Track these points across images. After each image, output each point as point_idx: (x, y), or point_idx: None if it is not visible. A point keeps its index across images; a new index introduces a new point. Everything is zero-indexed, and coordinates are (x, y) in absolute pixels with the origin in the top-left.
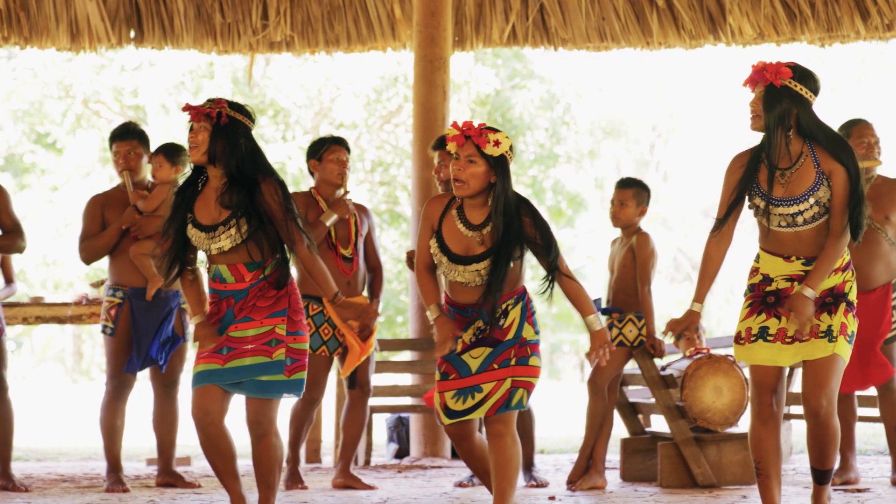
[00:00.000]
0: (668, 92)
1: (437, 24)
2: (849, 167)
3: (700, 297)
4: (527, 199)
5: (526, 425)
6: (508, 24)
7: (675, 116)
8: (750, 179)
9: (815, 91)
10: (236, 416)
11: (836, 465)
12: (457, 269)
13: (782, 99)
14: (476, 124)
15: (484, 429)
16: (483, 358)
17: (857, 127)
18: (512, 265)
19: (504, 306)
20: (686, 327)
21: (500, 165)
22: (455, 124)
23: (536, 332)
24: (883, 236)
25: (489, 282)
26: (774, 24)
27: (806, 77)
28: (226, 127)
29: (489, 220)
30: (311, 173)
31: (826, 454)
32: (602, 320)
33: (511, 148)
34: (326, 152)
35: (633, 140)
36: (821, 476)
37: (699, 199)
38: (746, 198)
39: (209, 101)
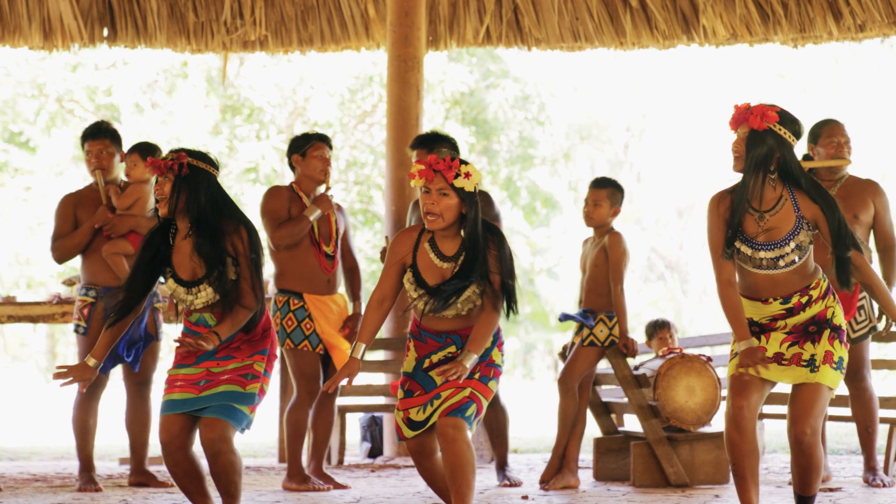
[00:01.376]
0: (642, 92)
1: (410, 23)
2: (827, 214)
3: (746, 335)
4: (497, 230)
5: (500, 424)
6: (482, 24)
7: (648, 116)
8: (737, 222)
9: (798, 135)
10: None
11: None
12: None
13: (766, 142)
14: (445, 158)
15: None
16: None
17: (828, 127)
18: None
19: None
20: (757, 360)
21: (470, 197)
22: (422, 160)
23: (502, 361)
24: None
25: (445, 295)
26: (747, 25)
27: (789, 121)
28: (187, 178)
29: (462, 250)
30: (293, 168)
31: (808, 482)
32: (473, 362)
33: (479, 184)
34: (311, 149)
35: (606, 140)
36: (803, 502)
37: (673, 198)
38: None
39: (171, 152)
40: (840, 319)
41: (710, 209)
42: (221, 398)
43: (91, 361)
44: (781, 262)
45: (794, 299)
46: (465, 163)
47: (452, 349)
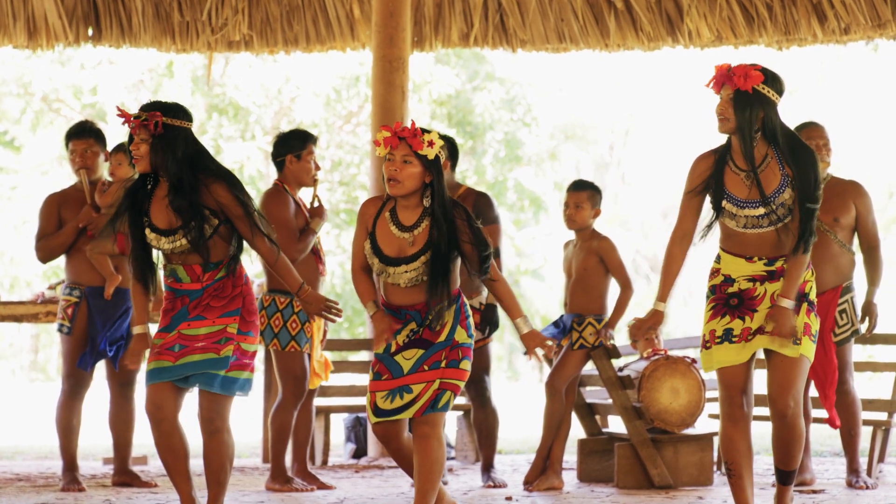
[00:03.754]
0: (627, 93)
1: (395, 24)
2: (808, 171)
3: (663, 296)
4: (461, 204)
5: (489, 426)
6: (468, 26)
7: (634, 118)
8: (718, 182)
9: (781, 93)
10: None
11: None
12: (389, 271)
13: (752, 102)
14: (410, 124)
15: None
16: (415, 359)
17: (806, 130)
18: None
19: (437, 308)
20: (651, 327)
21: (434, 166)
22: (387, 127)
23: (470, 336)
24: (832, 238)
25: (430, 279)
26: (732, 27)
27: (773, 79)
28: (163, 136)
29: (420, 220)
30: (281, 165)
31: (791, 455)
32: (530, 322)
33: (443, 148)
34: (306, 151)
35: (592, 141)
36: (784, 476)
37: (658, 200)
38: (710, 199)
39: (143, 108)
40: (814, 295)
41: (690, 169)
42: (198, 367)
43: (141, 329)
44: (765, 221)
45: (778, 263)
46: (428, 132)
47: (413, 326)
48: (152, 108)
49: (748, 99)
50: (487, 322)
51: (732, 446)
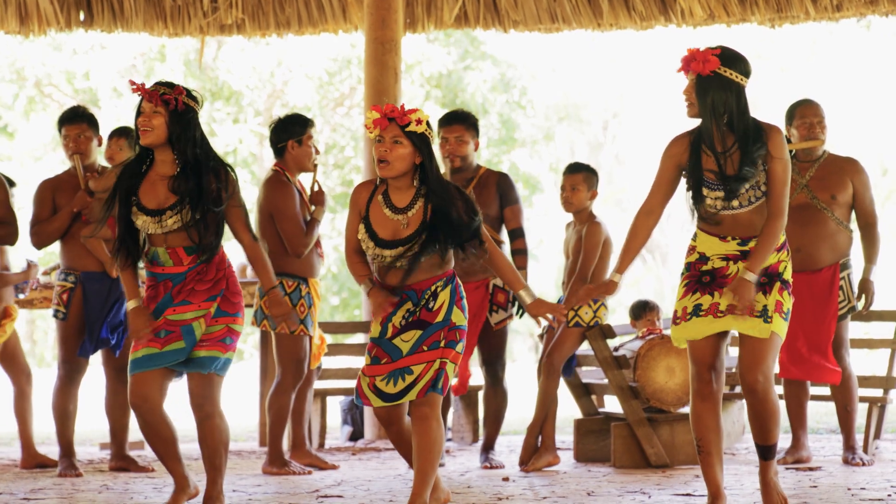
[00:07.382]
0: (621, 73)
1: (387, 6)
2: (745, 143)
3: (621, 268)
4: (456, 185)
5: (498, 406)
6: (459, 6)
7: (627, 98)
8: (695, 163)
9: (746, 73)
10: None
11: (784, 443)
12: (384, 254)
13: (713, 86)
14: (400, 106)
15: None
16: (413, 341)
17: (801, 108)
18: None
19: (433, 288)
20: (604, 294)
21: (424, 145)
22: (377, 107)
23: (465, 317)
24: (829, 216)
25: (410, 258)
26: (724, 5)
27: (734, 61)
28: (182, 114)
29: (414, 202)
30: (281, 151)
31: (767, 429)
32: (533, 292)
33: (429, 124)
34: (307, 136)
35: (586, 122)
36: (765, 452)
37: (652, 179)
38: (685, 181)
39: (161, 84)
40: (789, 274)
41: (665, 149)
42: (187, 352)
43: (133, 304)
44: (735, 202)
45: (751, 243)
46: (416, 110)
47: (409, 306)
48: (171, 85)
49: (710, 83)
50: (519, 303)
51: (701, 423)
